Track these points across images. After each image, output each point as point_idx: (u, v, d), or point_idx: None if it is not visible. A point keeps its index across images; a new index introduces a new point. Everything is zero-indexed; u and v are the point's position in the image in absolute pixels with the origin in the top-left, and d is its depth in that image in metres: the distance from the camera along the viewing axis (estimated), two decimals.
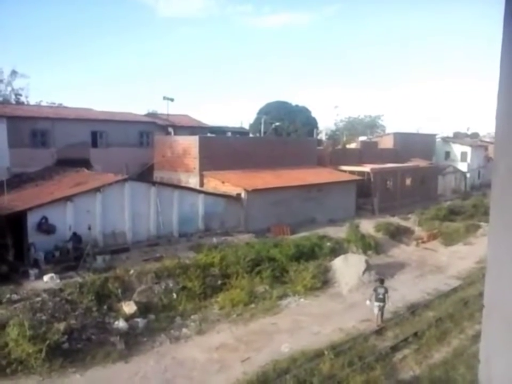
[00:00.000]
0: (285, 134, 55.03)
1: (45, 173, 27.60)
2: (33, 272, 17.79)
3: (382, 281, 18.64)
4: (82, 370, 13.37)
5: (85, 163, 30.35)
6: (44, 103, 48.31)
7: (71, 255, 19.68)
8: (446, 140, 59.46)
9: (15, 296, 15.87)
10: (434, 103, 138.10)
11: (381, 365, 14.08)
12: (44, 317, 14.88)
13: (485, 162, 60.75)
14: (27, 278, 17.61)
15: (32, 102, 48.14)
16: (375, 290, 17.62)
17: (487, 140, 71.01)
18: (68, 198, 20.78)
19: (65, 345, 14.08)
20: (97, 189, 21.69)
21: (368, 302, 17.80)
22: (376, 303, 17.30)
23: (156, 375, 13.48)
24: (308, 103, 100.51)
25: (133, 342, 15.26)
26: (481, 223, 35.01)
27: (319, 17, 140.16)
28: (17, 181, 26.35)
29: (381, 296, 17.28)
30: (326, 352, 14.42)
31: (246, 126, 58.86)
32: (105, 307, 16.71)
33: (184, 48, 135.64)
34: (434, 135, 58.30)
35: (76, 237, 20.06)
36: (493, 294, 1.42)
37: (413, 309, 19.09)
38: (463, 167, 55.06)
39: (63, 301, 16.08)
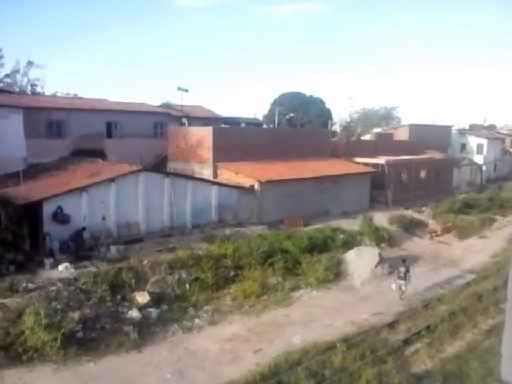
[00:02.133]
0: (299, 125, 54.82)
1: (60, 163, 27.82)
2: (48, 261, 18.01)
3: (404, 261, 19.98)
4: (96, 358, 13.56)
5: (100, 153, 30.53)
6: (59, 94, 48.67)
7: (86, 245, 19.90)
8: (462, 131, 58.69)
9: (30, 285, 16.11)
10: (450, 94, 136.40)
11: (392, 358, 14.08)
12: (58, 306, 15.10)
13: (501, 155, 59.95)
14: (42, 267, 17.84)
15: (47, 93, 48.57)
16: (397, 269, 19.51)
17: (504, 132, 70.00)
18: (83, 189, 20.96)
19: (80, 334, 14.29)
20: (111, 180, 21.83)
21: (393, 285, 19.54)
22: (398, 281, 19.20)
23: (169, 364, 13.62)
24: (322, 94, 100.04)
25: (146, 331, 15.42)
26: (497, 217, 34.73)
27: (334, 6, 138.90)
28: (33, 171, 26.60)
29: (401, 274, 19.10)
30: (338, 345, 14.43)
31: (260, 117, 58.73)
32: (118, 297, 16.90)
33: (198, 37, 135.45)
34: (450, 126, 57.56)
35: (76, 233, 20.19)
36: None
37: (426, 302, 19.01)
38: (479, 159, 54.37)
39: (78, 290, 16.30)
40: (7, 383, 12.09)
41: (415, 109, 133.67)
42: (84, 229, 20.28)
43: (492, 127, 71.56)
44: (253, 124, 48.85)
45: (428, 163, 42.58)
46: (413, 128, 49.68)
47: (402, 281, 19.11)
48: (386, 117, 75.39)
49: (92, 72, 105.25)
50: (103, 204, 21.31)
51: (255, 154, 30.49)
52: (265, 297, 18.94)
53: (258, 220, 27.07)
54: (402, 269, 19.20)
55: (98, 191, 21.28)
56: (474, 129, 63.51)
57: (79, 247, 19.68)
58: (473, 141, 56.67)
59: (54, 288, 16.09)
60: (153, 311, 16.60)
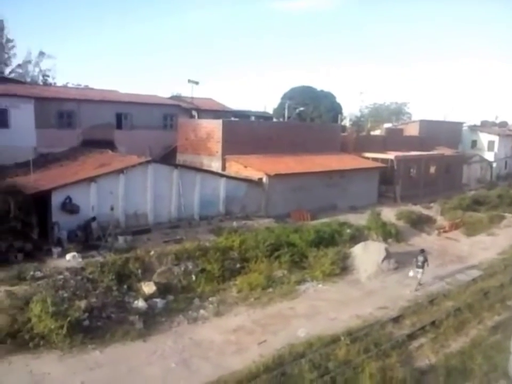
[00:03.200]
0: (308, 119, 54.64)
1: (70, 154, 28.05)
2: (56, 250, 18.20)
3: (422, 250, 20.83)
4: (102, 347, 13.68)
5: (109, 144, 30.72)
6: (70, 85, 48.90)
7: (94, 235, 20.06)
8: (473, 128, 58.22)
9: (38, 273, 16.29)
10: (462, 90, 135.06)
11: (397, 352, 14.09)
12: (65, 295, 15.24)
13: None
14: (50, 256, 18.05)
15: (59, 83, 48.82)
16: (415, 258, 20.31)
17: None
18: (92, 179, 21.11)
19: (86, 323, 14.42)
20: (120, 171, 21.97)
21: (411, 273, 20.55)
22: (416, 269, 20.10)
23: (173, 354, 13.72)
24: (333, 89, 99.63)
25: (151, 321, 15.53)
26: (506, 214, 34.47)
27: (343, 0, 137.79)
28: (43, 160, 26.85)
29: (419, 263, 19.98)
30: (342, 338, 14.48)
31: (270, 111, 58.60)
32: (125, 287, 17.03)
33: (209, 30, 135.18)
34: (461, 123, 57.14)
35: (86, 223, 20.34)
36: None
37: (432, 298, 18.97)
38: (489, 156, 53.98)
39: (85, 280, 16.44)
40: (14, 369, 12.25)
41: (426, 105, 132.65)
42: (93, 219, 20.46)
43: (503, 124, 70.80)
44: (263, 117, 48.80)
45: (438, 159, 42.32)
46: (424, 124, 49.40)
47: (420, 270, 20.01)
48: (397, 112, 74.93)
49: (103, 64, 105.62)
50: (111, 195, 21.48)
51: (264, 147, 30.49)
52: (270, 289, 18.99)
53: (266, 213, 27.11)
54: (420, 258, 20.09)
55: (107, 182, 21.43)
56: (486, 126, 62.95)
57: (88, 237, 19.86)
58: (484, 138, 56.27)
59: (61, 276, 16.25)
60: (159, 301, 16.70)
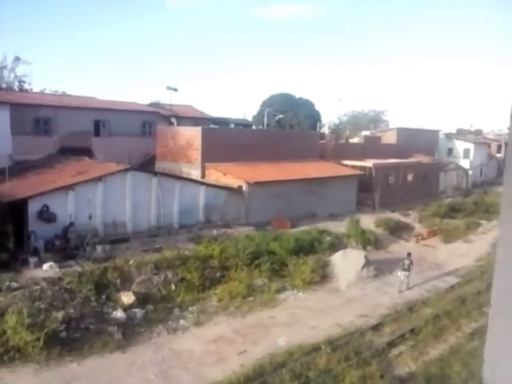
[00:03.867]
0: (288, 126, 54.88)
1: (46, 161, 27.60)
2: (32, 260, 17.85)
3: (409, 254, 22.06)
4: (80, 359, 13.45)
5: (87, 152, 30.33)
6: (47, 91, 48.23)
7: (71, 244, 19.75)
8: (449, 136, 59.17)
9: (14, 284, 15.93)
10: (438, 99, 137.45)
11: (377, 361, 14.16)
12: (42, 305, 14.92)
13: (487, 160, 60.52)
14: (27, 266, 17.68)
15: (35, 90, 48.10)
16: (402, 261, 21.58)
17: (491, 137, 70.72)
18: (70, 187, 20.83)
19: (63, 334, 14.15)
20: (98, 178, 21.72)
21: (398, 273, 21.56)
22: (402, 272, 21.24)
23: (153, 365, 13.56)
24: (312, 96, 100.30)
25: (130, 332, 15.34)
26: (482, 221, 35.03)
27: (326, 9, 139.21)
28: (19, 168, 26.34)
29: (406, 266, 21.21)
30: (323, 347, 14.50)
31: (249, 118, 58.74)
32: (103, 297, 16.79)
33: (189, 38, 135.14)
34: (438, 131, 58.01)
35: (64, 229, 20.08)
36: (501, 293, 1.42)
37: (411, 305, 19.14)
38: (465, 164, 54.86)
39: (62, 290, 16.15)
40: None
41: (403, 113, 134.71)
42: (71, 224, 20.16)
43: (478, 132, 72.35)
44: (242, 124, 48.90)
45: (415, 167, 42.89)
46: (401, 131, 49.99)
47: (406, 273, 21.19)
48: (375, 120, 75.84)
49: (81, 71, 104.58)
50: (89, 203, 21.21)
51: (244, 155, 30.48)
52: (251, 298, 18.94)
53: (246, 221, 27.08)
54: (406, 261, 21.36)
55: (85, 190, 21.17)
56: (461, 134, 64.11)
57: (66, 245, 19.54)
58: (460, 146, 57.21)
59: (37, 287, 15.93)
60: (138, 312, 16.51)
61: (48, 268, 17.44)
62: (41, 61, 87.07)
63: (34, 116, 31.08)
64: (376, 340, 15.79)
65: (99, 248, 19.82)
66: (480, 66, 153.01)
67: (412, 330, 16.48)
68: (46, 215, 19.73)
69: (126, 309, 16.45)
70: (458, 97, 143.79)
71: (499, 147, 64.43)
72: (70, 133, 31.94)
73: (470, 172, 54.62)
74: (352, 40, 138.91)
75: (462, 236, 31.76)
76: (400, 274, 21.46)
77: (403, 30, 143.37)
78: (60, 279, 16.75)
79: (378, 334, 16.36)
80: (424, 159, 46.97)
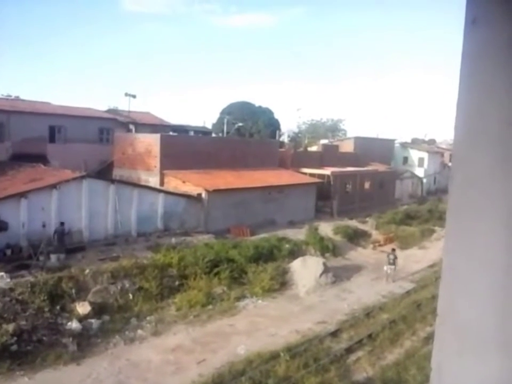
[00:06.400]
0: (247, 134, 54.97)
1: None
2: None
3: (393, 250, 25.02)
4: (32, 373, 12.96)
5: (42, 158, 29.49)
6: None
7: (24, 254, 19.12)
8: (404, 145, 60.77)
9: None
10: (393, 109, 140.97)
11: (335, 367, 14.26)
12: None
13: (441, 168, 62.38)
14: None
15: None
16: (388, 256, 23.91)
17: (443, 146, 72.99)
18: (22, 194, 20.18)
19: (14, 347, 13.58)
20: (53, 186, 21.14)
21: (385, 267, 23.65)
22: (388, 266, 23.46)
23: (109, 377, 13.22)
24: (271, 105, 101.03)
25: (86, 343, 14.92)
26: (436, 228, 35.96)
27: (284, 18, 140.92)
28: None
29: (391, 261, 23.47)
30: (282, 354, 14.49)
31: (209, 126, 58.53)
32: (58, 307, 16.25)
33: (147, 44, 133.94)
34: (393, 140, 59.44)
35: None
36: (447, 302, 1.42)
37: (368, 311, 19.42)
38: (420, 172, 56.39)
39: (13, 301, 15.53)
40: None
41: (360, 122, 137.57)
42: (62, 223, 20.27)
43: (432, 142, 74.53)
44: (202, 132, 48.64)
45: (372, 175, 43.77)
46: (358, 140, 50.97)
47: (391, 266, 23.44)
48: (333, 129, 76.92)
49: (36, 76, 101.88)
50: (43, 211, 20.62)
51: (203, 162, 30.36)
52: (210, 306, 18.78)
53: (205, 229, 26.90)
54: (391, 256, 23.68)
55: (38, 198, 20.56)
56: (416, 143, 65.93)
57: (18, 255, 18.90)
58: (414, 155, 58.78)
59: None
60: (94, 322, 16.08)
61: None
62: None
63: None
64: (335, 346, 15.93)
65: (53, 257, 19.26)
66: (433, 77, 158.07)
67: (369, 336, 16.71)
68: None
69: (82, 319, 15.98)
70: (412, 108, 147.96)
71: (451, 156, 66.50)
72: (23, 138, 30.97)
73: (424, 180, 56.17)
74: (310, 49, 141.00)
75: (417, 243, 32.55)
76: (386, 268, 23.51)
77: (359, 40, 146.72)
78: (11, 289, 16.10)
79: (337, 340, 16.51)
80: (381, 167, 48.02)
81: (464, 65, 1.26)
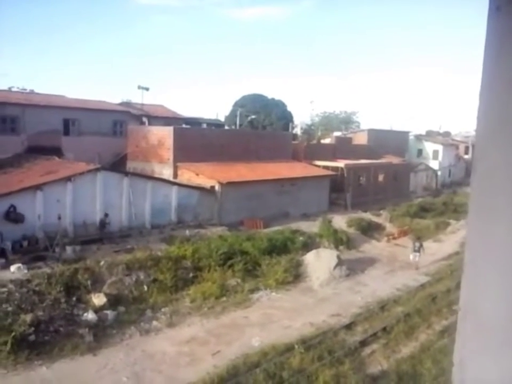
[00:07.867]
0: (260, 127, 54.92)
1: (14, 161, 26.94)
2: None
3: (419, 238, 26.56)
4: (49, 362, 13.11)
5: (56, 151, 29.75)
6: (14, 89, 47.05)
7: (41, 245, 19.31)
8: (418, 137, 60.22)
9: None
10: (409, 100, 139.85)
11: (349, 359, 14.22)
12: (9, 308, 14.53)
13: (455, 161, 61.82)
14: None
15: (2, 87, 46.83)
16: (413, 243, 25.20)
17: (458, 138, 72.30)
18: (38, 187, 20.36)
19: (32, 337, 13.75)
20: (68, 178, 21.30)
21: (411, 255, 24.70)
22: (414, 253, 24.51)
23: (125, 368, 13.31)
24: (284, 97, 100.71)
25: (102, 334, 15.04)
26: (451, 221, 35.71)
27: (296, 11, 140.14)
28: None
29: (416, 248, 24.53)
30: (296, 346, 14.49)
31: (222, 118, 58.52)
32: (74, 299, 16.40)
33: (160, 37, 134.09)
34: (408, 132, 58.94)
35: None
36: (469, 297, 1.39)
37: (383, 304, 19.34)
38: (434, 165, 55.91)
39: (31, 292, 15.73)
40: None
41: (374, 114, 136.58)
42: (106, 215, 21.29)
43: (446, 134, 73.83)
44: (215, 124, 48.64)
45: (386, 167, 43.48)
46: (372, 133, 50.60)
47: (417, 253, 24.43)
48: (346, 121, 76.52)
49: (51, 70, 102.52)
50: (59, 203, 20.77)
51: (216, 155, 30.37)
52: (224, 298, 18.83)
53: (219, 221, 26.95)
54: (417, 244, 24.75)
55: (54, 190, 20.73)
56: (430, 135, 65.30)
57: (35, 246, 19.08)
58: (429, 147, 58.24)
59: (5, 289, 15.47)
60: (110, 313, 16.19)
61: (16, 270, 16.97)
62: (11, 60, 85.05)
63: (0, 114, 30.29)
64: (349, 339, 15.88)
65: (69, 249, 19.43)
66: (450, 67, 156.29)
67: (384, 329, 16.64)
68: (13, 216, 19.24)
69: (97, 310, 16.12)
70: (427, 100, 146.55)
71: (466, 148, 65.98)
72: (38, 131, 31.24)
73: (439, 173, 55.69)
74: (323, 42, 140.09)
75: (432, 235, 32.31)
76: (412, 255, 24.51)
77: (374, 34, 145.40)
78: (28, 281, 16.31)
79: (351, 333, 16.46)
80: (395, 160, 47.66)
81: (487, 54, 1.23)
